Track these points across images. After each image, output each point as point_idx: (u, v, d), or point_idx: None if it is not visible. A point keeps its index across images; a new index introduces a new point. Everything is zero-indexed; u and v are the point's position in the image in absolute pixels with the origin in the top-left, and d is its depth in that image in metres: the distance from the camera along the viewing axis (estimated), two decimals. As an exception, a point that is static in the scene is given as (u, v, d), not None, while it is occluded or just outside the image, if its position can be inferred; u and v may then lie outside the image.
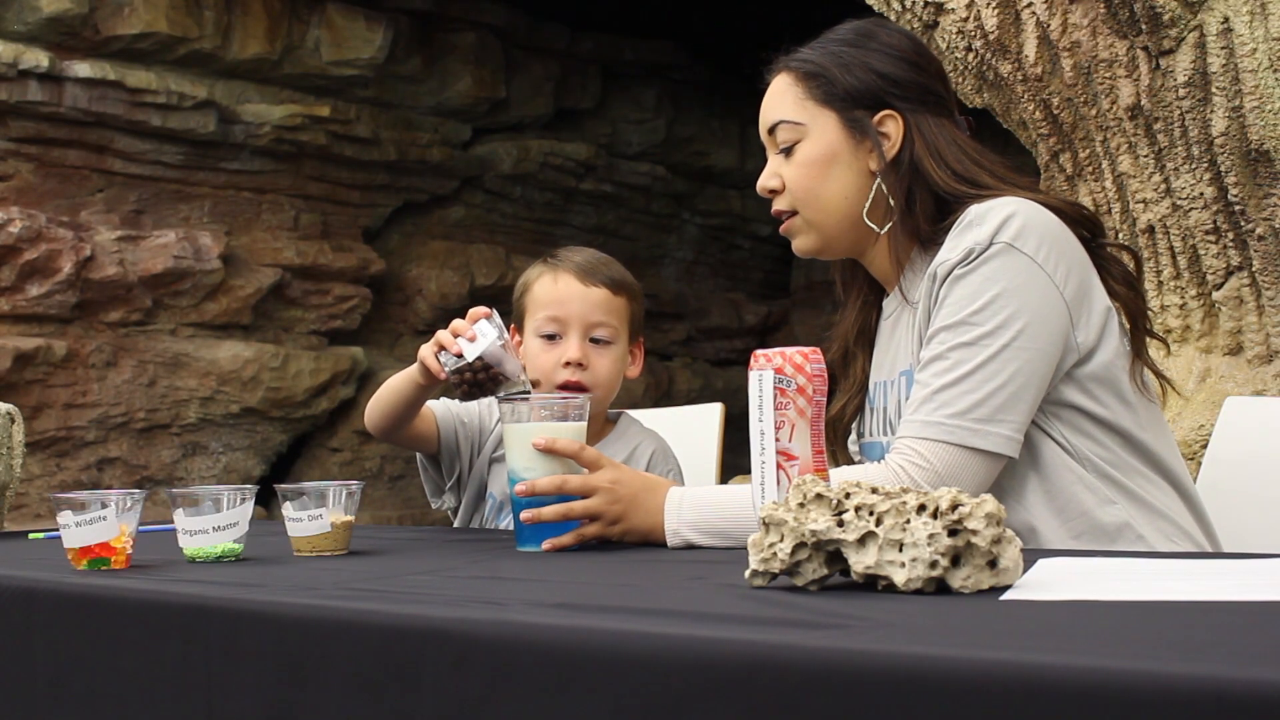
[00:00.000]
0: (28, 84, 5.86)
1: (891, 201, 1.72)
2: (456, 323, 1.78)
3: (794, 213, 1.77)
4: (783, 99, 1.77)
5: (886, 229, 1.74)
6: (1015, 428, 1.57)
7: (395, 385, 1.94)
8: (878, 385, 1.80)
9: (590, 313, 2.02)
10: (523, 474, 1.63)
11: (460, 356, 1.75)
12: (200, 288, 6.41)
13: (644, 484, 1.62)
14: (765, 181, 1.78)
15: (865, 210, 1.73)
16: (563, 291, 2.03)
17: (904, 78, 1.73)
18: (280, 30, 6.43)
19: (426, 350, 1.80)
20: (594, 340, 2.03)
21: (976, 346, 1.58)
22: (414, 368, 1.87)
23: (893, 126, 1.72)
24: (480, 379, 1.74)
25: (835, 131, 1.73)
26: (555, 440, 1.61)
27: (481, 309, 1.79)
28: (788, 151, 1.76)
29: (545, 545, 1.59)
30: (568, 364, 2.01)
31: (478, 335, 1.75)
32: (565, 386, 2.01)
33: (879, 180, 1.72)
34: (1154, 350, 1.74)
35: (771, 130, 1.77)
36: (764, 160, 1.81)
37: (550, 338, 2.03)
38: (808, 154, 1.74)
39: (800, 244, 1.80)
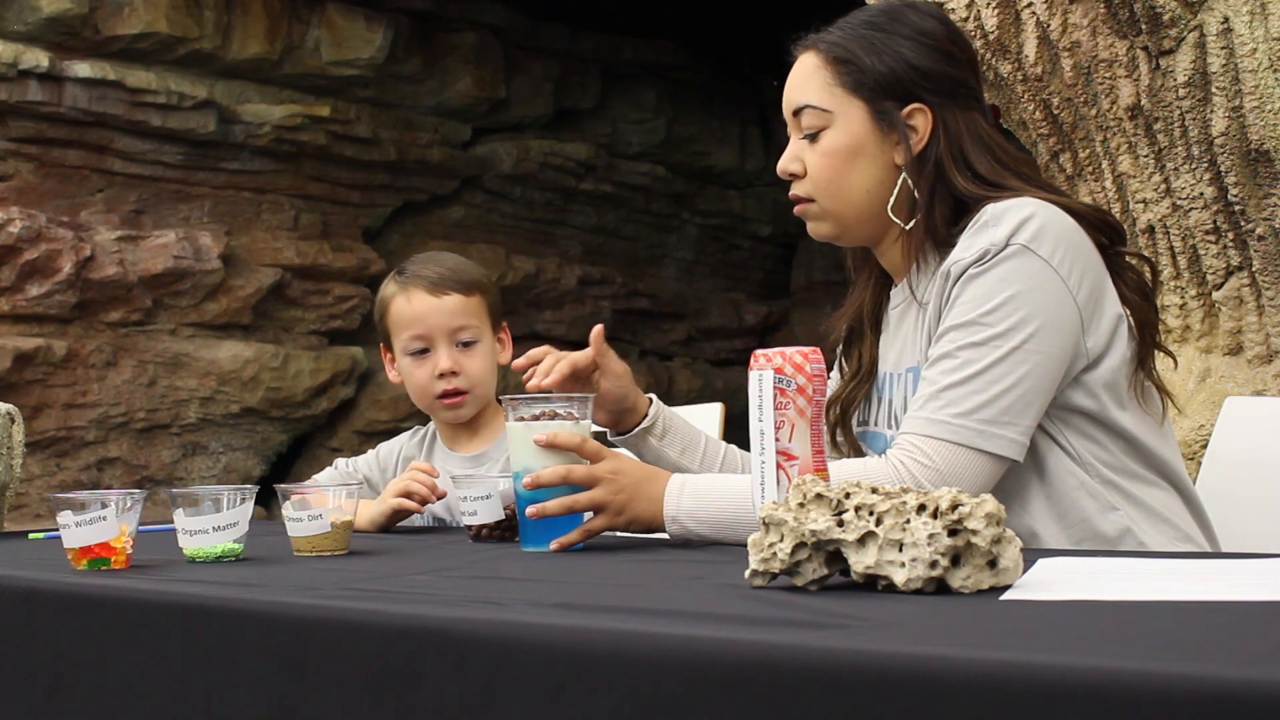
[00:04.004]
0: (28, 84, 5.85)
1: (916, 196, 1.69)
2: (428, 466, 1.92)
3: (812, 199, 1.74)
4: (810, 81, 1.72)
5: (910, 226, 1.70)
6: (1021, 431, 1.56)
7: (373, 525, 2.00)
8: (884, 376, 1.78)
9: (449, 321, 2.12)
10: (531, 470, 1.64)
11: (486, 524, 1.79)
12: (200, 288, 6.41)
13: (645, 473, 1.61)
14: (786, 165, 1.74)
15: (890, 205, 1.69)
16: (418, 308, 2.12)
17: (935, 70, 1.68)
18: (280, 30, 6.42)
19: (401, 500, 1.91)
20: (461, 344, 2.12)
21: (987, 347, 1.56)
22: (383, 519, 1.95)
23: (921, 120, 1.68)
24: (508, 521, 1.78)
25: (863, 122, 1.69)
26: (556, 434, 1.60)
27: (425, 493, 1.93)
28: (812, 137, 1.71)
29: (553, 545, 1.58)
30: (441, 375, 2.11)
31: (478, 498, 1.79)
32: (444, 396, 2.12)
33: (904, 175, 1.69)
34: (1161, 364, 1.71)
35: (796, 112, 1.73)
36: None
37: (419, 353, 2.13)
38: (833, 143, 1.70)
39: (815, 229, 1.76)
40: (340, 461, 2.28)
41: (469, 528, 1.79)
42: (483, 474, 2.05)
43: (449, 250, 2.42)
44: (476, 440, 2.19)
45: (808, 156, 1.72)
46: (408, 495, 1.93)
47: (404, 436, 2.29)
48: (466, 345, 2.13)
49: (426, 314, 2.11)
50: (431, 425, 2.26)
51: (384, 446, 2.28)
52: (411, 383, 2.15)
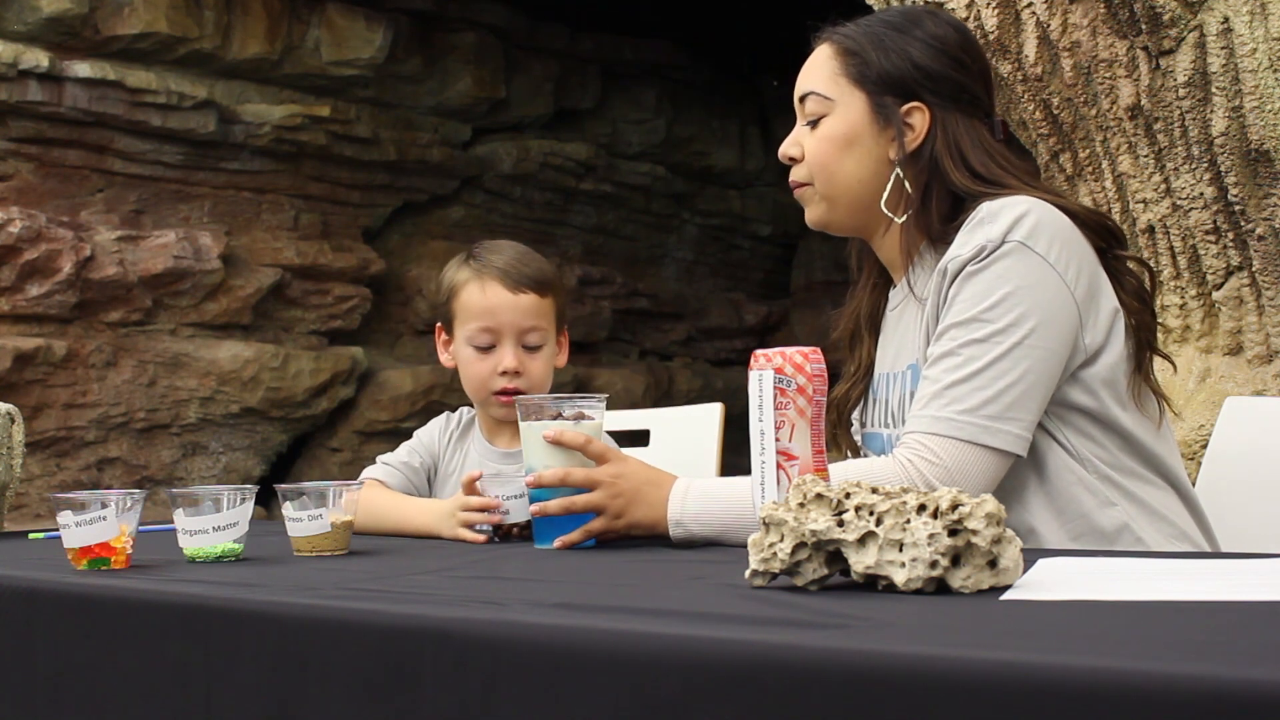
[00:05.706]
0: (28, 84, 5.85)
1: (910, 192, 1.71)
2: (484, 501, 1.80)
3: (808, 183, 1.77)
4: (818, 70, 1.76)
5: (901, 220, 1.73)
6: (1025, 426, 1.57)
7: (406, 526, 1.93)
8: (881, 376, 1.80)
9: (521, 320, 2.06)
10: (537, 469, 1.64)
11: (518, 523, 1.77)
12: (200, 288, 6.41)
13: (648, 478, 1.62)
14: (786, 149, 1.79)
15: (884, 200, 1.72)
16: (492, 301, 2.06)
17: (940, 72, 1.71)
18: (280, 30, 6.42)
19: (463, 531, 1.82)
20: (526, 346, 2.07)
21: (988, 344, 1.57)
22: (429, 528, 1.88)
23: (919, 119, 1.71)
24: (524, 523, 1.76)
25: (861, 113, 1.73)
26: (563, 432, 1.62)
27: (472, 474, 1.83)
28: (814, 124, 1.75)
29: (556, 543, 1.59)
30: (504, 373, 2.06)
31: (511, 498, 1.77)
32: (503, 393, 2.07)
33: (896, 170, 1.72)
34: (1160, 368, 1.72)
35: (802, 99, 1.77)
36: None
37: (483, 347, 2.07)
38: (830, 130, 1.74)
39: (810, 214, 1.80)
40: (386, 457, 2.21)
41: (499, 526, 1.78)
42: (512, 472, 2.04)
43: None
44: (518, 439, 2.16)
45: (807, 141, 1.76)
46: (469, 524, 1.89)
47: (441, 420, 2.23)
48: (532, 348, 2.08)
49: (499, 308, 2.05)
50: (469, 412, 2.22)
51: (423, 433, 2.22)
52: (470, 373, 2.10)
